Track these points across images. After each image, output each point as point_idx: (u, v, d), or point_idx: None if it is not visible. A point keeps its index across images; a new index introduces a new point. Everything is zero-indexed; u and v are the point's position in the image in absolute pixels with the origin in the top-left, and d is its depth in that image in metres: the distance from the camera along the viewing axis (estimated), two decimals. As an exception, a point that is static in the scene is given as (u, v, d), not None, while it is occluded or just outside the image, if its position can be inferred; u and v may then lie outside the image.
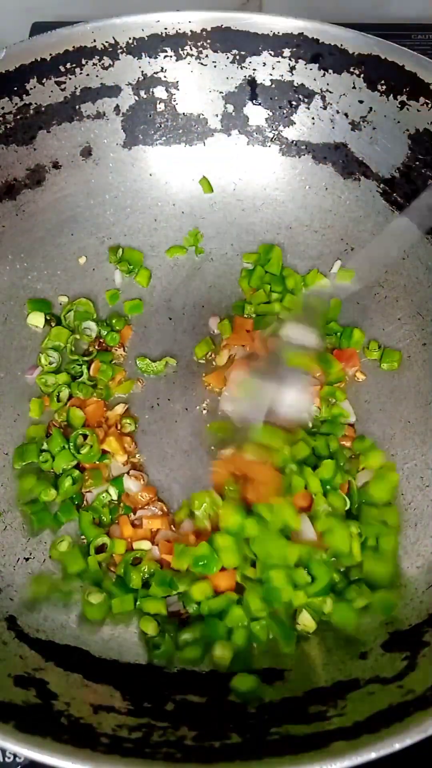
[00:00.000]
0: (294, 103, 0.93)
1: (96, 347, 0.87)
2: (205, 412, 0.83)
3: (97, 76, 0.91)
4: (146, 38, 0.89)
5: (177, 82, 0.93)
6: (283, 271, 0.92)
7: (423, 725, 0.52)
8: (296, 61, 0.89)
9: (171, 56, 0.91)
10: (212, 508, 0.74)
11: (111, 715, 0.59)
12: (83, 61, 0.89)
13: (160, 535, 0.74)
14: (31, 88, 0.88)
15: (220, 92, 0.93)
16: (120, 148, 0.96)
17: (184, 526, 0.75)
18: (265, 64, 0.90)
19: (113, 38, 0.89)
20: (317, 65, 0.89)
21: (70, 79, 0.90)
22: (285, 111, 0.94)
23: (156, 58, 0.91)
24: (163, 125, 0.95)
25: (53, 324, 0.88)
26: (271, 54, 0.90)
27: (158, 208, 0.97)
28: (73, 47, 0.88)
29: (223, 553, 0.69)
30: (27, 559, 0.73)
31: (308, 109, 0.93)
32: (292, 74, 0.91)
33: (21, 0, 1.17)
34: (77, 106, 0.92)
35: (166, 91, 0.93)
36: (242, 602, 0.68)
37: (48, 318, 0.88)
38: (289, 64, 0.90)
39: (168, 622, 0.69)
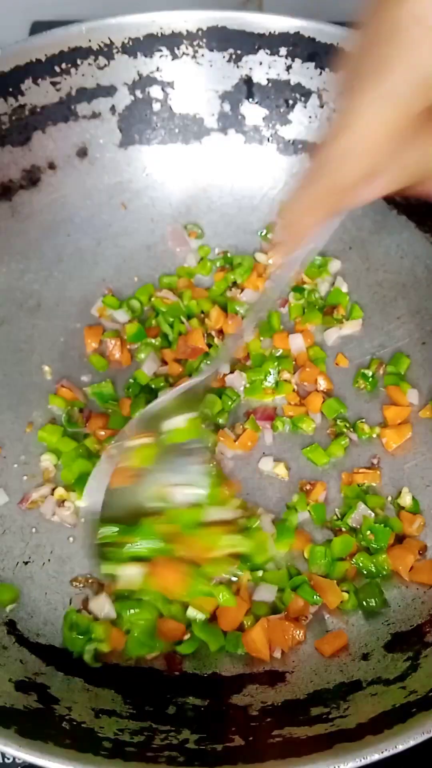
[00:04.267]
0: (291, 101, 0.92)
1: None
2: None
3: (92, 76, 0.90)
4: (142, 38, 0.89)
5: (173, 81, 0.92)
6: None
7: (426, 726, 0.52)
8: (293, 60, 0.89)
9: (167, 56, 0.90)
10: None
11: (113, 719, 0.59)
12: (78, 62, 0.89)
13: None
14: (26, 89, 0.88)
15: (217, 91, 0.93)
16: (116, 148, 0.95)
17: None
18: (261, 63, 0.90)
19: (108, 38, 0.88)
20: (314, 64, 0.89)
21: (65, 79, 0.89)
22: (282, 110, 0.93)
23: (152, 57, 0.90)
24: (159, 125, 0.95)
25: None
26: (267, 53, 0.89)
27: (155, 208, 0.97)
28: (69, 47, 0.88)
29: None
30: (26, 563, 0.73)
31: (305, 107, 0.92)
32: (289, 73, 0.90)
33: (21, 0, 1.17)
34: (73, 107, 0.91)
35: (162, 90, 0.93)
36: None
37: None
38: (286, 63, 0.90)
39: None
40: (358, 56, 0.36)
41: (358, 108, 0.35)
